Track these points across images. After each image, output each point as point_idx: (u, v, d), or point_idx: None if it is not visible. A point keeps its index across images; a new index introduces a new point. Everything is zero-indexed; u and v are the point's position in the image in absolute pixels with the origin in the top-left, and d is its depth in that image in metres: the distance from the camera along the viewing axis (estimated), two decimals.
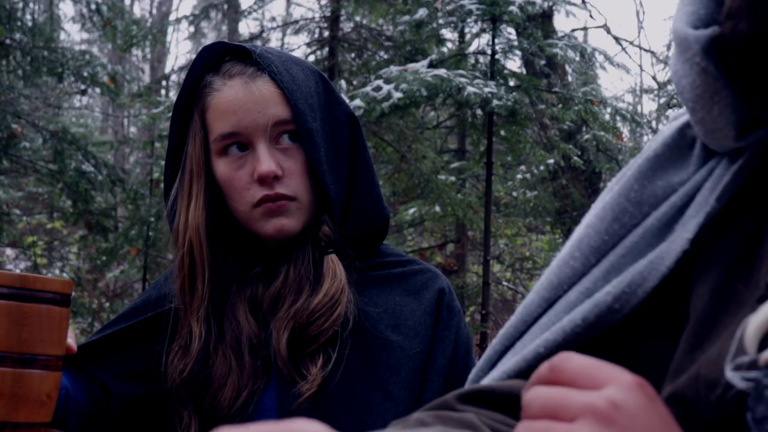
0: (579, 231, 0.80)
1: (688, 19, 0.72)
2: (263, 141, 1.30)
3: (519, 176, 7.69)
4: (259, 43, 7.07)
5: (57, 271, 7.87)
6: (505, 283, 8.11)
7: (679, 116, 0.80)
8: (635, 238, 0.76)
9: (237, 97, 1.31)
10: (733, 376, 0.58)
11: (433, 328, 1.36)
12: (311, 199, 1.33)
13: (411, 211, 7.05)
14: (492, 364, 0.82)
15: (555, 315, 0.78)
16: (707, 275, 0.71)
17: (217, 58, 1.36)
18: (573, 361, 0.59)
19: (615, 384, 0.57)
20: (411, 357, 1.32)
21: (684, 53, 0.71)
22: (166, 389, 1.35)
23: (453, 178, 7.18)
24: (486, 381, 0.80)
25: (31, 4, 6.74)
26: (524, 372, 0.77)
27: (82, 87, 6.55)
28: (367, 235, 1.38)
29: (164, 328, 1.37)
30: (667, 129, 0.81)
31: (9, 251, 9.08)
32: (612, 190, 0.80)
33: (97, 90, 6.42)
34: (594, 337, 0.75)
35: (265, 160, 1.29)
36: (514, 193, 7.90)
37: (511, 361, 0.79)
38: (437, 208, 6.44)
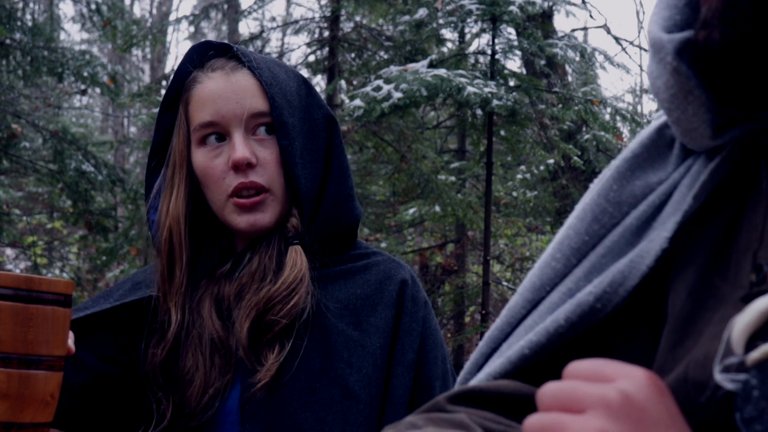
0: (560, 232, 0.81)
1: (663, 24, 0.73)
2: (239, 130, 1.34)
3: (519, 176, 7.69)
4: (259, 43, 7.06)
5: (57, 271, 7.87)
6: (505, 283, 8.11)
7: (659, 116, 0.81)
8: (615, 237, 0.76)
9: (217, 87, 1.36)
10: (721, 379, 0.58)
11: (397, 321, 1.37)
12: (284, 191, 1.36)
13: (411, 211, 7.04)
14: (479, 367, 0.83)
15: (539, 316, 0.78)
16: (684, 273, 0.72)
17: (203, 56, 1.42)
18: (582, 362, 0.60)
19: (627, 377, 0.57)
20: (371, 353, 1.33)
21: (657, 54, 0.72)
22: (143, 374, 1.36)
23: (453, 178, 7.18)
24: (473, 383, 0.81)
25: (31, 4, 6.75)
26: (509, 373, 0.77)
27: (82, 87, 6.55)
28: (335, 232, 1.40)
29: (143, 316, 1.39)
30: (645, 129, 0.81)
31: (9, 251, 9.08)
32: (592, 191, 0.81)
33: (97, 90, 6.42)
34: (576, 336, 0.76)
35: (240, 147, 1.33)
36: (514, 193, 7.90)
37: (496, 363, 0.79)
38: (437, 208, 6.43)
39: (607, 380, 0.57)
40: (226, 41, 1.44)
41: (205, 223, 1.42)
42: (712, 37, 0.67)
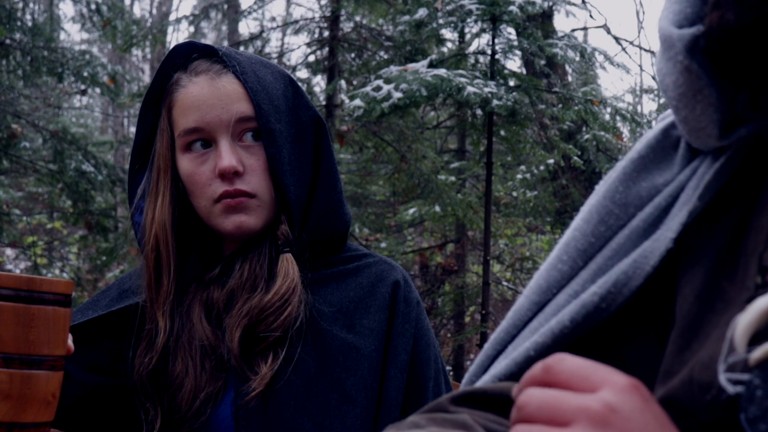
0: (567, 234, 0.81)
1: (674, 18, 0.72)
2: (225, 137, 1.32)
3: (519, 176, 7.68)
4: (259, 43, 7.06)
5: (57, 271, 7.87)
6: (505, 283, 8.11)
7: (665, 117, 0.81)
8: (621, 239, 0.76)
9: (202, 93, 1.33)
10: (725, 381, 0.58)
11: (390, 323, 1.36)
12: (272, 198, 1.34)
13: (411, 211, 7.04)
14: (484, 369, 0.83)
15: (545, 318, 0.78)
16: (692, 275, 0.71)
17: (186, 57, 1.39)
18: (567, 362, 0.59)
19: (610, 386, 0.57)
20: (366, 357, 1.32)
21: (668, 51, 0.72)
22: (131, 383, 1.35)
23: (453, 178, 7.18)
24: (477, 385, 0.81)
25: (31, 4, 6.75)
26: (515, 375, 0.77)
27: (82, 87, 6.55)
28: (325, 238, 1.38)
29: (131, 324, 1.38)
30: (651, 130, 0.81)
31: (9, 251, 9.08)
32: (598, 193, 0.80)
33: (97, 90, 6.42)
34: (581, 337, 0.75)
35: (227, 156, 1.30)
36: (514, 193, 7.90)
37: (501, 365, 0.79)
38: (437, 208, 6.43)
39: (591, 389, 0.57)
40: (216, 45, 1.41)
41: (192, 227, 1.40)
42: (726, 19, 0.66)
